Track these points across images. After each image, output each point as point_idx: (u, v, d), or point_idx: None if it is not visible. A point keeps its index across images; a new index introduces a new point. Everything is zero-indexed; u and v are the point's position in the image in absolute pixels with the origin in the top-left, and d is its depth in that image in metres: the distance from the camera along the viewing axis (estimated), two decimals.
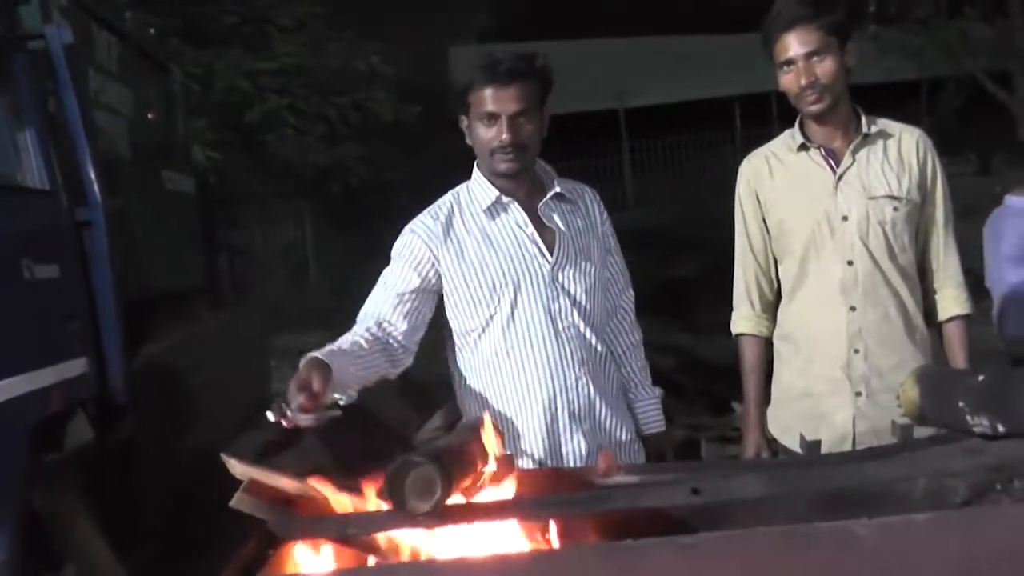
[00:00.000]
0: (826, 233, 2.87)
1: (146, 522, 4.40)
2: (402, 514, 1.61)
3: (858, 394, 2.84)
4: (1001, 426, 1.78)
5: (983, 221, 4.78)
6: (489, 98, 2.58)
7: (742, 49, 19.27)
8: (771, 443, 3.04)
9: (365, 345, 2.45)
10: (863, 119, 2.90)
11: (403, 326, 2.60)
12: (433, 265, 2.67)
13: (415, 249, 2.69)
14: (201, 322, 6.41)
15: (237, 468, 1.81)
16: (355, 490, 1.77)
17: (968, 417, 1.85)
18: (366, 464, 1.80)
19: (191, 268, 6.61)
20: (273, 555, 1.67)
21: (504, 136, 2.58)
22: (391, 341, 2.57)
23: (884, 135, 2.92)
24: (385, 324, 2.59)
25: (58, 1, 4.44)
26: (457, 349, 2.78)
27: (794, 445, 2.87)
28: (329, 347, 2.34)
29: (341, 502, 1.76)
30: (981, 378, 1.90)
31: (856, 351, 2.85)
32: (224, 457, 1.82)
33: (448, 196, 2.79)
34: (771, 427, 3.04)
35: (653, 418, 2.87)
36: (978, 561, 1.41)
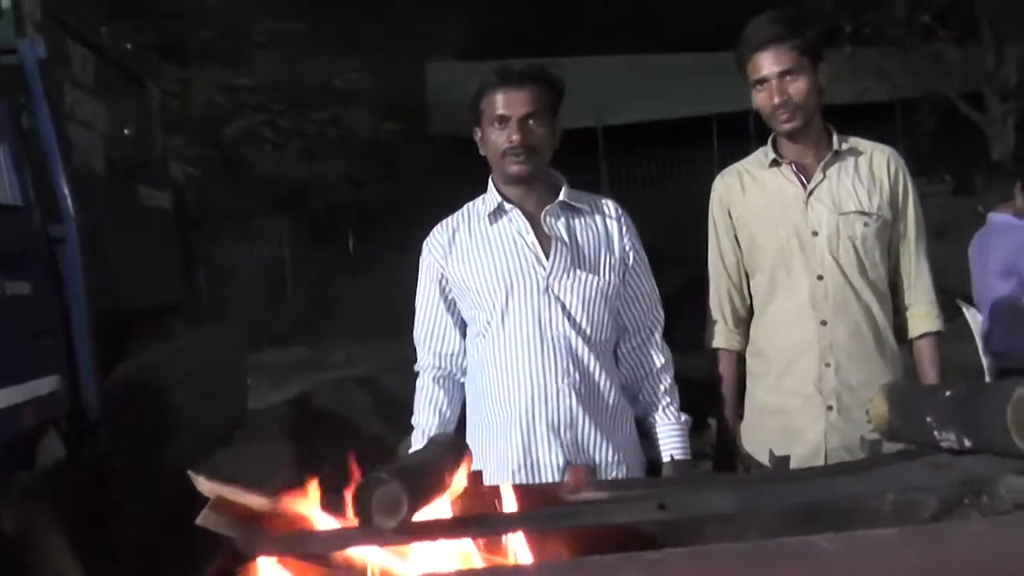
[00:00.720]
0: (796, 248, 2.89)
1: (118, 540, 4.37)
2: (368, 531, 1.60)
3: (829, 408, 2.85)
4: (968, 441, 1.78)
5: (957, 240, 4.84)
6: (500, 101, 2.62)
7: (720, 68, 19.45)
8: (744, 458, 3.04)
9: (446, 401, 2.82)
10: (834, 137, 2.93)
11: (455, 344, 2.83)
12: (445, 274, 2.77)
13: (430, 263, 2.81)
14: (177, 339, 6.38)
15: (204, 485, 1.79)
16: (324, 507, 1.76)
17: (936, 432, 1.86)
18: (333, 476, 1.79)
19: (167, 284, 6.59)
20: (239, 572, 1.66)
21: (515, 137, 2.61)
22: (454, 369, 2.85)
23: (855, 152, 2.94)
24: (443, 354, 2.84)
25: (32, 15, 4.43)
26: (468, 353, 2.82)
27: (767, 461, 2.88)
28: (433, 427, 2.76)
29: (309, 519, 1.75)
30: (949, 393, 1.91)
31: (827, 365, 2.86)
32: (191, 474, 1.81)
33: (463, 208, 2.84)
34: (745, 443, 3.05)
35: (674, 445, 2.78)
36: (943, 574, 1.42)
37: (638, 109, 19.31)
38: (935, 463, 1.86)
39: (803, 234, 2.89)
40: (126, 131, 6.08)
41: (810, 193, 2.90)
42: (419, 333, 2.85)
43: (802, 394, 2.89)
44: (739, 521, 1.71)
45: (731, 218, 3.03)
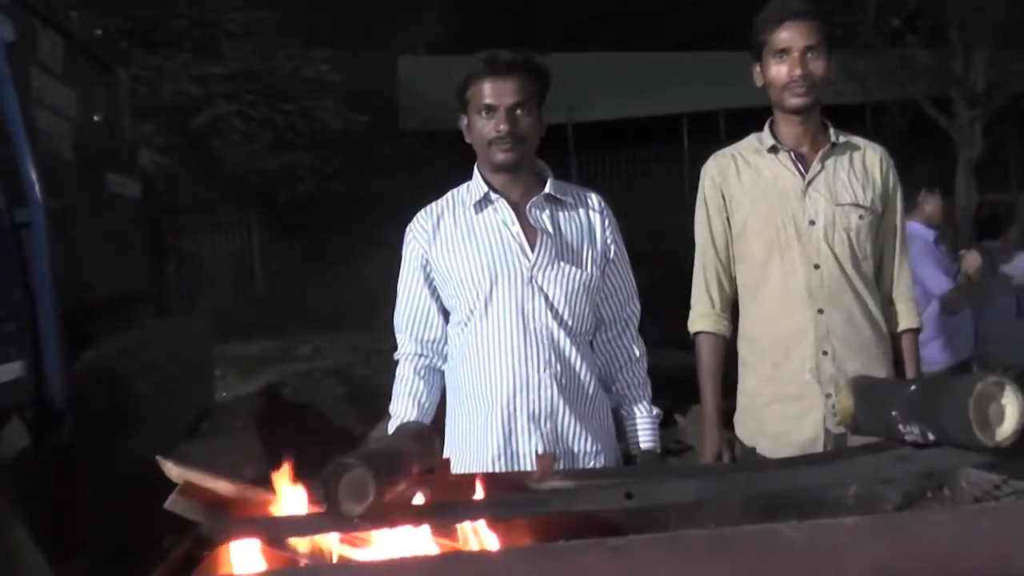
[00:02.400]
0: (792, 236, 2.92)
1: (83, 529, 4.33)
2: (334, 517, 1.60)
3: (827, 396, 2.87)
4: (931, 434, 1.81)
5: None
6: (487, 90, 2.63)
7: (691, 67, 19.55)
8: (732, 443, 3.04)
9: (425, 392, 2.81)
10: (831, 129, 2.97)
11: (438, 331, 2.83)
12: (428, 260, 2.77)
13: (413, 249, 2.80)
14: (144, 328, 6.34)
15: (172, 471, 1.79)
16: (291, 493, 1.76)
17: (900, 425, 1.88)
18: (299, 466, 1.79)
19: (135, 273, 6.54)
20: (206, 557, 1.66)
21: (502, 126, 2.62)
22: (435, 357, 2.85)
23: (851, 146, 2.99)
24: (425, 341, 2.83)
25: None
26: (449, 341, 2.81)
27: (765, 451, 2.89)
28: (412, 416, 2.74)
29: (276, 505, 1.75)
30: (913, 388, 1.94)
31: (824, 353, 2.88)
32: (159, 459, 1.81)
33: (447, 194, 2.84)
34: (739, 432, 3.05)
35: (645, 438, 2.82)
36: (904, 563, 1.43)
37: (609, 106, 19.31)
38: (898, 456, 1.88)
39: (800, 223, 2.91)
40: (95, 117, 6.02)
41: (808, 183, 2.92)
42: (400, 319, 2.84)
43: (799, 382, 2.91)
44: (704, 510, 1.73)
45: (724, 200, 3.03)
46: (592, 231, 2.79)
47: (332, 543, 1.68)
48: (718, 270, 3.07)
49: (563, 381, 2.68)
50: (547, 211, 2.74)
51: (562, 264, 2.70)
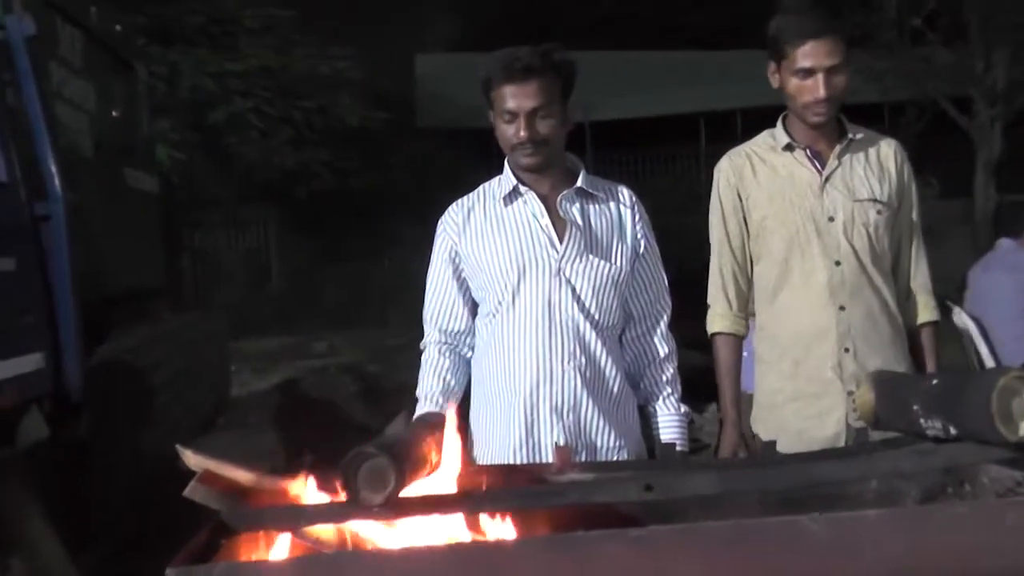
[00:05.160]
0: (811, 233, 2.89)
1: (100, 521, 4.35)
2: (354, 506, 1.60)
3: (849, 393, 2.83)
4: (953, 428, 1.80)
5: (943, 243, 4.86)
6: (507, 95, 2.60)
7: (708, 67, 19.48)
8: (747, 441, 3.01)
9: (451, 370, 2.77)
10: (846, 125, 2.94)
11: (463, 323, 2.82)
12: (458, 252, 2.76)
13: (443, 241, 2.80)
14: (161, 322, 6.36)
15: (192, 459, 1.80)
16: (310, 482, 1.76)
17: (921, 420, 1.87)
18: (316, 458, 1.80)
19: (152, 267, 6.56)
20: (225, 545, 1.66)
21: (522, 133, 2.60)
22: (461, 346, 2.83)
23: (865, 141, 2.96)
24: (450, 332, 2.82)
25: None
26: (476, 333, 2.81)
27: (785, 448, 2.84)
28: (436, 393, 2.70)
29: (294, 493, 1.75)
30: (935, 382, 1.92)
31: (847, 350, 2.86)
32: (179, 448, 1.81)
33: (479, 188, 2.83)
34: (757, 429, 3.02)
35: (672, 435, 2.77)
36: (924, 556, 1.43)
37: (626, 106, 19.28)
38: (919, 451, 1.87)
39: (819, 220, 2.88)
40: (113, 112, 6.05)
41: (826, 179, 2.90)
42: (428, 310, 2.84)
43: (821, 379, 2.88)
44: (724, 503, 1.72)
45: (741, 200, 3.00)
46: (622, 225, 2.77)
47: (351, 531, 1.68)
48: (735, 270, 3.05)
49: (587, 374, 2.66)
50: (577, 204, 2.73)
51: (590, 257, 2.69)
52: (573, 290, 2.66)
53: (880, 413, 2.04)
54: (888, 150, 2.98)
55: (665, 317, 2.86)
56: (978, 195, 15.00)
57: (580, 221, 2.70)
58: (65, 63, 5.07)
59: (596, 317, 2.68)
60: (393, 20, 19.56)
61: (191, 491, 1.69)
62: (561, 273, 2.65)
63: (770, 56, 2.91)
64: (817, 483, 1.78)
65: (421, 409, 2.68)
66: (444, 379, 2.75)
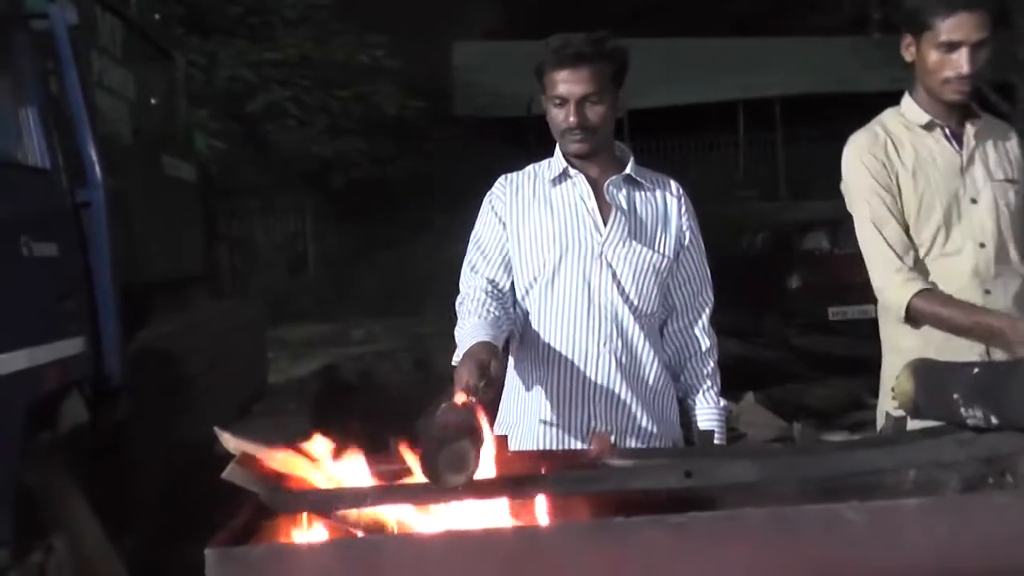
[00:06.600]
0: (955, 215, 2.77)
1: (138, 504, 4.40)
2: (378, 488, 1.62)
3: None
4: (995, 418, 1.78)
5: None
6: (558, 81, 2.60)
7: (746, 53, 19.35)
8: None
9: (495, 311, 2.60)
10: (973, 104, 2.82)
11: (506, 279, 2.74)
12: (504, 222, 2.75)
13: (491, 208, 2.78)
14: (199, 309, 6.41)
15: (230, 442, 1.81)
16: (350, 465, 1.77)
17: (962, 409, 1.85)
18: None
19: (190, 255, 6.61)
20: (264, 526, 1.67)
21: (572, 119, 2.60)
22: (505, 299, 2.71)
23: (991, 122, 2.87)
24: (494, 281, 2.72)
25: None
26: (515, 307, 2.77)
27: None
28: (478, 322, 2.52)
29: (331, 478, 1.76)
30: (976, 371, 1.91)
31: None
32: (217, 431, 1.83)
33: (528, 167, 2.83)
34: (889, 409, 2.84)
35: (710, 425, 2.71)
36: (965, 546, 1.41)
37: (665, 93, 19.21)
38: (959, 440, 1.85)
39: (962, 201, 2.77)
40: (152, 101, 6.10)
41: (968, 159, 2.80)
42: (471, 262, 2.76)
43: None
44: (762, 490, 1.71)
45: (888, 172, 2.81)
46: (667, 216, 2.76)
47: (386, 514, 1.69)
48: (900, 235, 2.79)
49: (623, 359, 2.65)
50: (624, 191, 2.73)
51: (633, 243, 2.68)
52: (614, 274, 2.65)
53: (920, 402, 2.02)
54: (1009, 131, 2.89)
55: (707, 311, 2.83)
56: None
57: (626, 207, 2.70)
58: (105, 52, 5.12)
59: (635, 303, 2.66)
60: (430, 8, 19.58)
61: (229, 473, 1.70)
62: (603, 256, 2.65)
63: (906, 27, 2.77)
64: (856, 471, 1.77)
65: (464, 346, 2.44)
66: (481, 315, 2.58)
